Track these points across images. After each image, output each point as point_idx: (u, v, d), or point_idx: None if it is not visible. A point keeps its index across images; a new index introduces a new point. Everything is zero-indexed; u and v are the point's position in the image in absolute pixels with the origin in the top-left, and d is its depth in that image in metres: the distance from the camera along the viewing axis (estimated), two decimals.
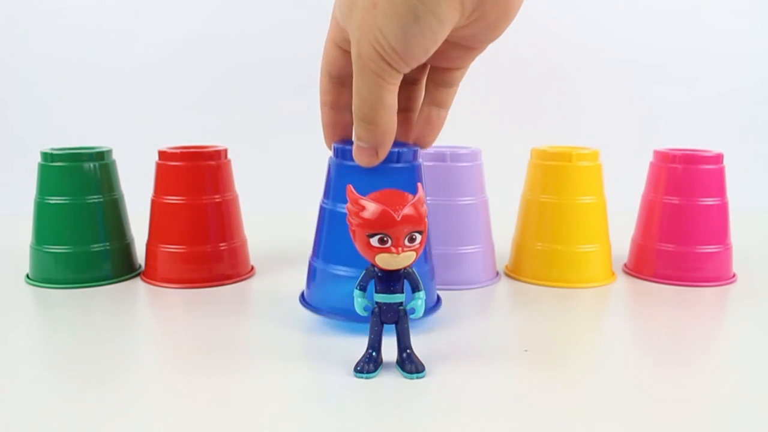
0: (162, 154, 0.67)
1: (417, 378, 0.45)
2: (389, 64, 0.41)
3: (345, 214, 0.44)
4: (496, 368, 0.47)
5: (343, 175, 0.50)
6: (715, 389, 0.45)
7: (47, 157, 0.66)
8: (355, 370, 0.45)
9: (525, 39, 1.08)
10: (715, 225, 0.68)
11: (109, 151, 0.69)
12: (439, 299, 0.56)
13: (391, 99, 0.43)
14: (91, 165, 0.66)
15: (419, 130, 0.51)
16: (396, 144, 0.48)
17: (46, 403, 0.41)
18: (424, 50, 0.41)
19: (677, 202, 0.68)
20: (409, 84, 0.50)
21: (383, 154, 0.46)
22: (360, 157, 0.46)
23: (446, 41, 0.43)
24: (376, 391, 0.43)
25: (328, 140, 0.51)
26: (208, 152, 0.67)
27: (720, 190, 0.68)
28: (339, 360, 0.47)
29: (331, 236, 0.52)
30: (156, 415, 0.40)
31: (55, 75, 1.08)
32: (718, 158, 0.68)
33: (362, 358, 0.46)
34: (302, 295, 0.56)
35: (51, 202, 0.66)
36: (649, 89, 1.13)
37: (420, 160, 0.52)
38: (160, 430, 0.38)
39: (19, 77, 1.08)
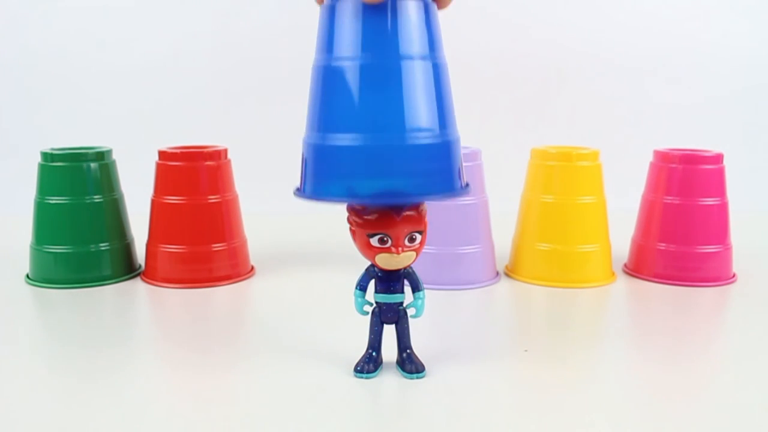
0: (162, 154, 0.67)
1: (417, 378, 0.45)
2: None
3: (345, 68, 0.38)
4: (496, 368, 0.47)
5: (340, 18, 0.40)
6: (715, 389, 0.44)
7: (47, 157, 0.66)
8: (355, 370, 0.45)
9: (525, 39, 1.08)
10: (715, 225, 0.68)
11: (109, 151, 0.69)
12: (467, 184, 0.44)
13: None
14: (91, 165, 0.66)
15: None
16: None
17: (47, 402, 0.41)
18: None
19: (677, 202, 0.68)
20: None
21: None
22: None
23: None
24: (376, 391, 0.43)
25: None
26: (208, 152, 0.67)
27: (720, 190, 0.68)
28: (339, 360, 0.47)
29: (327, 98, 0.41)
30: (156, 413, 0.40)
31: (55, 75, 1.08)
32: (718, 158, 0.68)
33: (362, 358, 0.46)
34: (297, 189, 0.45)
35: (51, 202, 0.66)
36: (649, 90, 1.13)
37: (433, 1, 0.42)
38: (160, 429, 0.38)
39: (19, 77, 1.08)
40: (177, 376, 0.46)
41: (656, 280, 0.68)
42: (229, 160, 0.69)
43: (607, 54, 1.11)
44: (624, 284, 0.68)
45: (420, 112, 0.39)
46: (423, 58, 0.39)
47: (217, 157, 0.67)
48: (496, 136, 1.05)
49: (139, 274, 0.70)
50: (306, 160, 0.43)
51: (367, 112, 0.39)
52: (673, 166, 0.68)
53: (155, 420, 0.39)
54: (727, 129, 1.13)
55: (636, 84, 1.12)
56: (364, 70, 0.39)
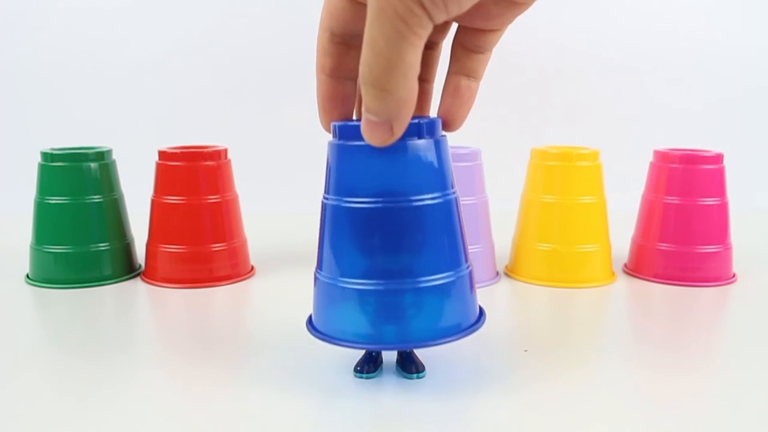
0: (162, 154, 0.67)
1: (417, 378, 0.45)
2: (422, 5, 0.31)
3: (353, 209, 0.37)
4: (496, 368, 0.47)
5: (348, 158, 0.39)
6: (715, 389, 0.44)
7: (47, 157, 0.66)
8: (355, 370, 0.45)
9: (526, 39, 1.08)
10: (715, 225, 0.68)
11: (109, 151, 0.69)
12: (482, 312, 0.44)
13: (414, 58, 0.33)
14: (91, 165, 0.66)
15: (447, 105, 0.41)
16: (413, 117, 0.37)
17: (46, 403, 0.41)
18: None
19: (677, 202, 0.68)
20: (424, 47, 0.37)
21: (399, 131, 0.35)
22: (370, 134, 0.36)
23: None
24: (377, 391, 0.43)
25: (325, 117, 0.41)
26: (208, 152, 0.67)
27: (720, 190, 0.68)
28: (339, 360, 0.47)
29: (338, 240, 0.40)
30: (156, 415, 0.40)
31: (56, 75, 1.08)
32: (718, 158, 0.68)
33: (362, 358, 0.46)
34: (309, 319, 0.45)
35: (51, 202, 0.66)
36: (649, 89, 1.13)
37: (443, 134, 0.41)
38: (160, 429, 0.38)
39: (19, 77, 1.08)
40: (177, 376, 0.46)
41: (656, 280, 0.68)
42: (229, 160, 0.69)
43: (607, 54, 1.11)
44: (624, 284, 0.68)
45: (434, 256, 0.39)
46: (434, 198, 0.39)
47: (217, 157, 0.67)
48: (496, 136, 1.05)
49: (139, 274, 0.70)
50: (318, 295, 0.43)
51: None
52: (673, 166, 0.68)
53: (155, 420, 0.39)
54: (727, 129, 1.13)
55: (636, 84, 1.12)
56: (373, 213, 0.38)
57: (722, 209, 0.68)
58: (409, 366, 0.45)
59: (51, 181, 0.66)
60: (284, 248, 0.81)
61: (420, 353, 0.46)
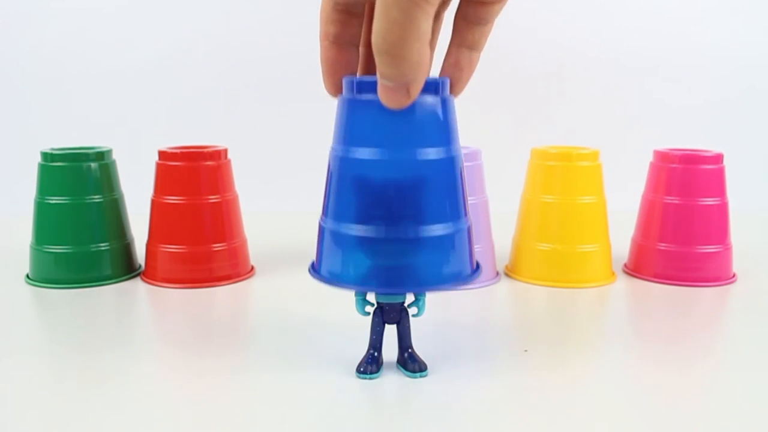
0: (162, 154, 0.67)
1: (420, 377, 0.45)
2: None
3: (363, 160, 0.39)
4: (496, 367, 0.47)
5: (360, 112, 0.41)
6: (715, 389, 0.45)
7: (47, 157, 0.66)
8: (358, 371, 0.45)
9: (525, 39, 1.08)
10: (715, 225, 0.68)
11: (109, 151, 0.69)
12: (478, 266, 0.44)
13: (426, 25, 0.34)
14: (91, 165, 0.66)
15: (447, 75, 0.43)
16: None
17: (46, 403, 0.41)
18: None
19: (677, 202, 0.68)
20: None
21: (416, 93, 0.37)
22: (387, 99, 0.37)
23: None
24: (379, 390, 0.43)
25: (329, 81, 0.43)
26: (208, 152, 0.67)
27: (720, 190, 0.68)
28: (340, 360, 0.47)
29: (344, 189, 0.42)
30: (156, 414, 0.40)
31: (56, 75, 1.08)
32: (718, 158, 0.68)
33: (364, 358, 0.46)
34: (312, 265, 0.45)
35: (51, 202, 0.66)
36: (649, 89, 1.13)
37: (451, 95, 0.43)
38: (160, 429, 0.38)
39: (19, 77, 1.08)
40: (177, 376, 0.46)
41: (656, 280, 0.68)
42: (229, 160, 0.69)
43: (607, 54, 1.11)
44: (624, 284, 0.68)
45: (436, 207, 0.41)
46: (439, 153, 0.41)
47: (217, 157, 0.67)
48: (496, 136, 1.05)
49: (139, 274, 0.70)
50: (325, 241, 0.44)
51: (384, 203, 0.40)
52: (673, 166, 0.68)
53: (155, 420, 0.39)
54: (727, 129, 1.13)
55: (636, 84, 1.12)
56: (382, 165, 0.40)
57: (722, 209, 0.68)
58: (411, 365, 0.45)
59: (51, 181, 0.66)
60: (284, 248, 0.81)
61: (421, 353, 0.46)
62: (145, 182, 0.70)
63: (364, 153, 0.40)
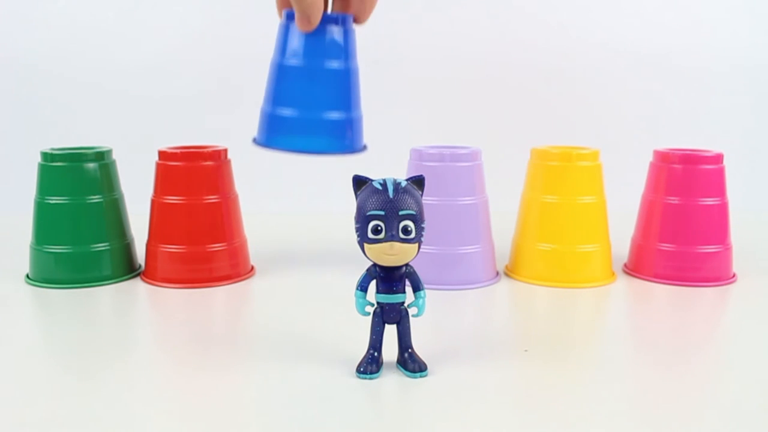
0: (162, 154, 0.67)
1: (420, 377, 0.45)
2: None
3: (293, 67, 0.57)
4: (496, 367, 0.47)
5: (291, 34, 0.59)
6: (715, 389, 0.45)
7: (47, 157, 0.66)
8: (358, 371, 0.45)
9: (525, 39, 1.08)
10: (715, 225, 0.68)
11: (109, 151, 0.69)
12: (365, 147, 0.60)
13: None
14: (91, 165, 0.66)
15: (356, 7, 0.58)
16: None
17: (47, 402, 0.41)
18: None
19: (677, 202, 0.68)
20: None
21: (315, 21, 0.55)
22: (299, 24, 0.55)
23: None
24: (379, 390, 0.43)
25: (279, 7, 0.59)
26: (208, 152, 0.67)
27: (720, 190, 0.68)
28: (340, 360, 0.47)
29: (282, 84, 0.59)
30: (156, 414, 0.40)
31: (56, 75, 1.08)
32: (718, 158, 0.68)
33: (364, 358, 0.46)
34: (254, 139, 0.63)
35: (51, 202, 0.66)
36: (650, 89, 1.13)
37: (353, 26, 0.60)
38: (160, 429, 0.38)
39: (19, 77, 1.08)
40: (177, 376, 0.46)
41: (656, 280, 0.68)
42: (229, 160, 0.69)
43: (608, 54, 1.11)
44: (624, 284, 0.68)
45: (333, 99, 0.58)
46: (339, 64, 0.57)
47: (217, 157, 0.67)
48: (496, 136, 1.05)
49: (139, 274, 0.70)
50: (261, 120, 0.62)
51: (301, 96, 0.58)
52: (673, 166, 0.68)
53: (155, 420, 0.39)
54: (727, 129, 1.13)
55: (636, 84, 1.12)
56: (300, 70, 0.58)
57: (722, 209, 0.68)
58: (411, 365, 0.45)
59: (51, 181, 0.66)
60: (284, 248, 0.81)
61: (421, 353, 0.46)
62: (145, 182, 0.70)
63: (292, 61, 0.57)
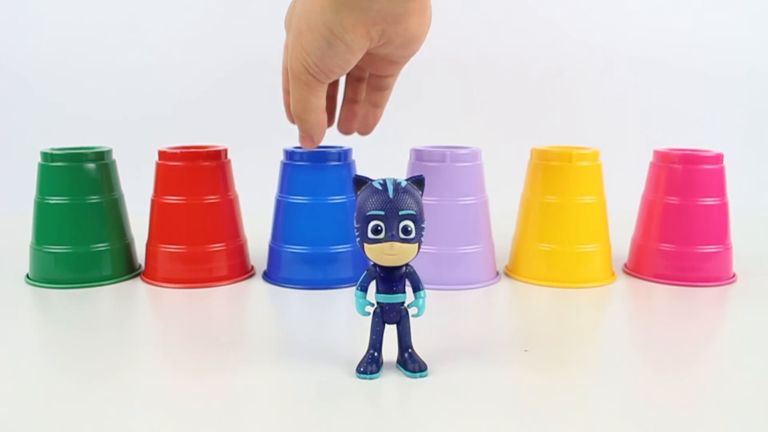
0: (162, 154, 0.67)
1: (420, 377, 0.45)
2: (313, 77, 0.52)
3: (296, 204, 0.64)
4: (496, 368, 0.47)
5: (293, 171, 0.66)
6: (715, 389, 0.45)
7: (47, 157, 0.66)
8: (358, 371, 0.45)
9: (525, 39, 1.09)
10: (715, 225, 0.68)
11: (109, 151, 0.69)
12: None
13: (318, 102, 0.54)
14: (91, 165, 0.66)
15: (359, 124, 0.63)
16: (336, 147, 0.67)
17: (46, 403, 0.41)
18: (340, 67, 0.51)
19: (677, 202, 0.68)
20: (355, 81, 0.61)
21: (318, 140, 0.57)
22: (302, 143, 0.58)
23: (371, 56, 0.53)
24: (380, 390, 0.43)
25: (289, 117, 0.61)
26: (208, 152, 0.67)
27: (720, 190, 0.68)
28: (340, 361, 0.47)
29: (288, 222, 0.66)
30: (156, 414, 0.40)
31: (55, 75, 1.08)
32: (718, 158, 0.68)
33: (364, 358, 0.46)
34: (265, 273, 0.69)
35: (51, 202, 0.66)
36: (650, 89, 1.13)
37: (353, 159, 0.67)
38: (160, 429, 0.38)
39: (19, 77, 1.08)
40: (177, 377, 0.46)
41: (656, 280, 0.68)
42: (229, 160, 0.69)
43: (608, 54, 1.11)
44: (624, 284, 0.68)
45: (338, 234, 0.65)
46: (342, 198, 0.65)
47: (217, 157, 0.67)
48: (496, 136, 1.05)
49: (139, 274, 0.70)
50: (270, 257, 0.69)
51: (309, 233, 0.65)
52: (673, 166, 0.68)
53: (155, 420, 0.39)
54: (727, 129, 1.13)
55: (636, 84, 1.13)
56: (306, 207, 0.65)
57: (722, 209, 0.68)
58: (411, 365, 0.45)
59: (51, 181, 0.66)
60: None
61: (421, 353, 0.46)
62: (145, 182, 0.70)
63: (296, 198, 0.65)
